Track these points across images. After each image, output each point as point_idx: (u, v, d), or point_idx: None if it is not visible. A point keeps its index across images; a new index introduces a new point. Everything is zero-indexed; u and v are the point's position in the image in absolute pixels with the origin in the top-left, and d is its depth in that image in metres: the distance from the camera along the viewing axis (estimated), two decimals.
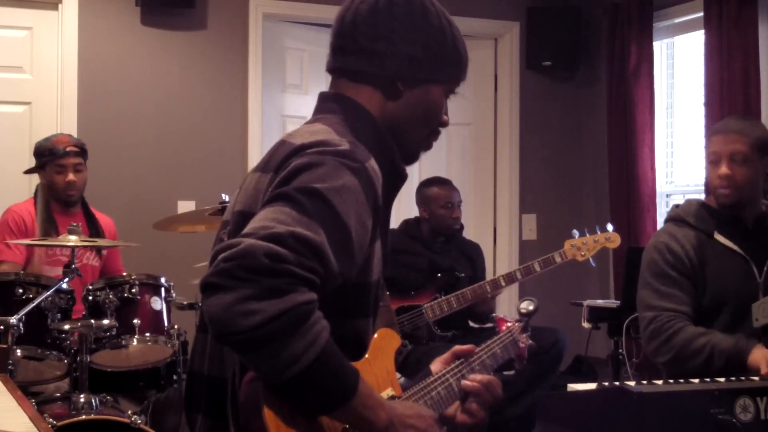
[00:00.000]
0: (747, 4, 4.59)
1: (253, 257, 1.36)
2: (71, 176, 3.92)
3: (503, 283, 4.17)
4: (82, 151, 3.99)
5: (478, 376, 1.79)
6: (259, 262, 1.36)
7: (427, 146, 1.77)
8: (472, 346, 1.85)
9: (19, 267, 3.81)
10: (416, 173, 4.94)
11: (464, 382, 1.78)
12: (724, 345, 2.60)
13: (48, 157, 3.92)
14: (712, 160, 2.78)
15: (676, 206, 2.94)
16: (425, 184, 4.49)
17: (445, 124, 1.77)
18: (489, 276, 4.55)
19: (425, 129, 1.74)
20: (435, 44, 1.69)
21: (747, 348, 2.57)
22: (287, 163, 1.54)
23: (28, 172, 4.13)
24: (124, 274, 3.57)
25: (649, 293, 2.77)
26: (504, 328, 2.00)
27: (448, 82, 1.74)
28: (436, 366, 1.83)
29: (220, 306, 1.35)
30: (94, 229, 4.02)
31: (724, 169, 2.74)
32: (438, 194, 4.40)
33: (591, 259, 4.18)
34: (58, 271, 3.86)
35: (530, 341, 2.03)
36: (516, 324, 2.02)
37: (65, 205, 3.99)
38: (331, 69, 1.75)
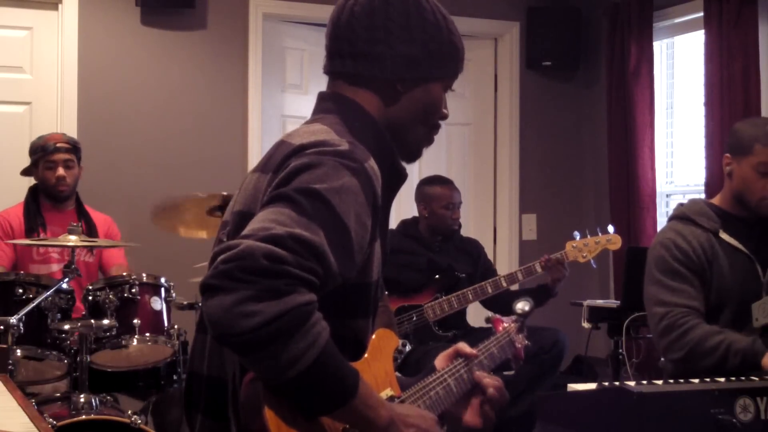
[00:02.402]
0: (747, 4, 4.58)
1: (253, 259, 1.36)
2: (61, 171, 3.97)
3: (504, 284, 4.17)
4: (73, 149, 4.03)
5: (495, 381, 1.79)
6: (258, 263, 1.36)
7: (429, 142, 1.77)
8: (476, 353, 1.85)
9: (3, 269, 3.82)
10: (416, 172, 4.93)
11: (482, 377, 1.78)
12: (741, 344, 2.58)
13: (39, 153, 4.00)
14: (763, 172, 2.71)
15: (681, 205, 2.93)
16: (427, 182, 4.47)
17: (445, 117, 1.76)
18: (497, 266, 4.52)
19: (426, 126, 1.74)
20: (432, 42, 1.68)
21: (763, 349, 2.56)
22: (286, 164, 1.53)
23: (24, 173, 4.14)
24: (124, 274, 3.57)
25: (659, 289, 2.74)
26: (501, 328, 2.01)
27: (447, 78, 1.73)
28: (440, 362, 1.83)
29: (220, 307, 1.35)
30: (87, 227, 4.04)
31: None
32: (440, 194, 4.38)
33: (592, 261, 4.18)
34: (50, 268, 3.88)
35: (527, 341, 2.03)
36: (512, 324, 2.02)
37: (56, 201, 4.04)
38: (329, 72, 1.74)
